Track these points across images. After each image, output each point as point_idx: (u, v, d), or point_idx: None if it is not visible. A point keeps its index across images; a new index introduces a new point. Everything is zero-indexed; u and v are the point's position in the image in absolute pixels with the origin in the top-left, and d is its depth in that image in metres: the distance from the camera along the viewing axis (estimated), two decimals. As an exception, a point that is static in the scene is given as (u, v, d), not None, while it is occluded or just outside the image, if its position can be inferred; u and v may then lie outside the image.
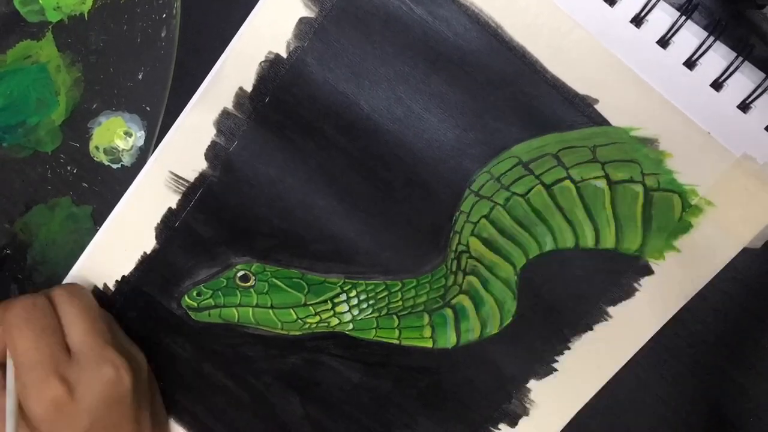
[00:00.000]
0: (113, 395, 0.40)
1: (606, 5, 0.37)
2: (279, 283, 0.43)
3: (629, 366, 0.40)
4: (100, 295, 0.45)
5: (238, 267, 0.44)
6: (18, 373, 0.39)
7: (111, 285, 0.45)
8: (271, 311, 0.44)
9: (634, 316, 0.40)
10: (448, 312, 0.42)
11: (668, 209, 0.38)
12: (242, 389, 0.45)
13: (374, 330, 0.43)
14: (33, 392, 0.39)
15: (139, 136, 0.44)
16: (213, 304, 0.44)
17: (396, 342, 0.43)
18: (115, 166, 0.45)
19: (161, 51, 0.43)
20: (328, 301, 0.43)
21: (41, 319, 0.40)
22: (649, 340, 0.40)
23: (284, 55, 0.40)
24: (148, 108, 0.44)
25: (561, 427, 0.42)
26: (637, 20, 0.37)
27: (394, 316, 0.42)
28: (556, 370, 0.41)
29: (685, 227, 0.38)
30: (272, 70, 0.41)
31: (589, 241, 0.40)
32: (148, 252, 0.44)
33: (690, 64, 0.37)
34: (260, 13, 0.40)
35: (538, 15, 0.38)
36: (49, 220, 0.46)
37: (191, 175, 0.43)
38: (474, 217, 0.40)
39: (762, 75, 0.36)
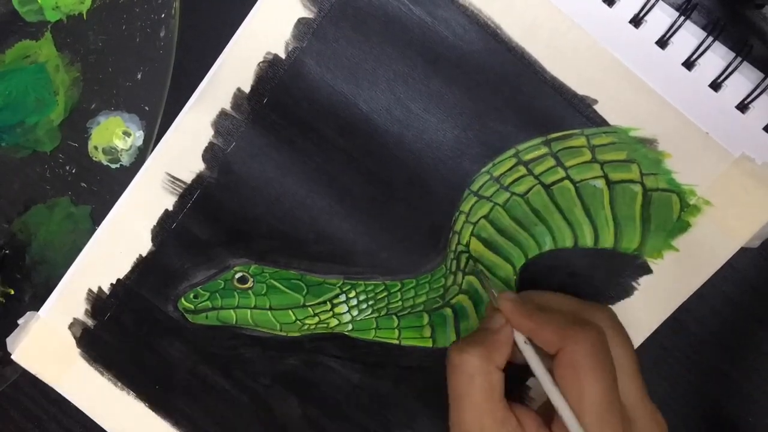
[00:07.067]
0: None
1: (605, 5, 0.37)
2: (277, 284, 0.43)
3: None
4: (95, 298, 0.45)
5: (236, 269, 0.43)
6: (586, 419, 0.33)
7: (106, 288, 0.44)
8: (269, 313, 0.43)
9: (632, 315, 0.40)
10: (448, 312, 0.42)
11: (667, 209, 0.38)
12: (240, 391, 0.45)
13: (374, 330, 0.43)
14: None
15: (137, 136, 0.44)
16: (210, 306, 0.44)
17: (395, 342, 0.43)
18: (114, 166, 0.45)
19: (160, 51, 0.43)
20: (327, 302, 0.43)
21: (609, 359, 0.33)
22: (647, 339, 0.40)
23: (283, 55, 0.40)
24: (146, 108, 0.44)
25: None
26: (636, 20, 0.37)
27: (394, 317, 0.42)
28: (555, 369, 0.41)
29: (683, 227, 0.39)
30: (271, 70, 0.41)
31: (588, 240, 0.40)
32: (144, 254, 0.44)
33: (689, 64, 0.37)
34: (259, 13, 0.40)
35: (536, 15, 0.38)
36: (47, 220, 0.46)
37: (188, 177, 0.42)
38: (473, 217, 0.40)
39: (761, 75, 0.37)
